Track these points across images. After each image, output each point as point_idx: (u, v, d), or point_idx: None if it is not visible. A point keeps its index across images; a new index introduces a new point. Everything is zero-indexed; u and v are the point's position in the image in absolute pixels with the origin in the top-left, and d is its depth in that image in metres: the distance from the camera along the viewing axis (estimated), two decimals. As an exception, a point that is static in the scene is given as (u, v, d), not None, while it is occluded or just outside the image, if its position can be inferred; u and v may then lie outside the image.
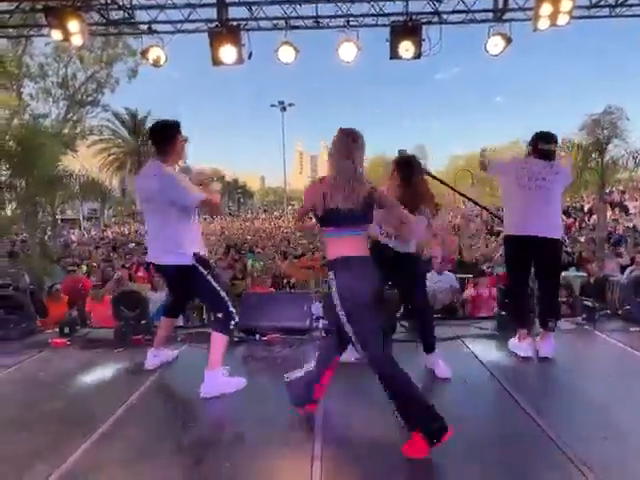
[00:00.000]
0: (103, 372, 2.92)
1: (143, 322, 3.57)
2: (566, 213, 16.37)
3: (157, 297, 4.94)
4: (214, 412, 2.34)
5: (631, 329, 3.44)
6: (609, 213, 14.24)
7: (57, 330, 3.68)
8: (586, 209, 17.54)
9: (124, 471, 1.74)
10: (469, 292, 5.10)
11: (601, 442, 1.91)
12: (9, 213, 11.12)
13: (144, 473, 1.72)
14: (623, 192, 20.20)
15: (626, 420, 2.11)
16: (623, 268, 6.24)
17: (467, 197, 4.68)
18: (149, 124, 30.87)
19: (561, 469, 1.72)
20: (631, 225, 13.66)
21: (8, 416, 2.27)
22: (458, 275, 6.19)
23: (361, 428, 2.09)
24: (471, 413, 2.22)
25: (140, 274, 7.08)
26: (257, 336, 3.37)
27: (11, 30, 5.66)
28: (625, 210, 16.50)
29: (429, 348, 2.69)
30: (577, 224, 14.71)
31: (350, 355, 2.29)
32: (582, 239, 9.01)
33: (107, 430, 2.06)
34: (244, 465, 1.79)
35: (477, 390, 2.50)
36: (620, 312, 3.75)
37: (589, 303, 3.68)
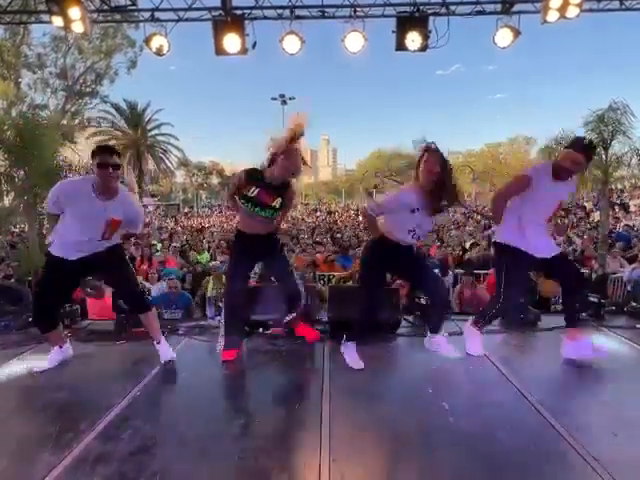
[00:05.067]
0: (105, 364, 2.89)
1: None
2: (566, 210, 16.36)
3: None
4: (219, 404, 2.32)
5: (637, 326, 3.43)
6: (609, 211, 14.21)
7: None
8: (587, 207, 17.54)
9: (130, 463, 1.70)
10: (467, 292, 4.99)
11: (611, 438, 1.89)
12: (7, 204, 11.01)
13: (151, 465, 1.69)
14: (622, 190, 20.23)
15: (636, 416, 2.09)
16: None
17: (477, 212, 4.64)
18: (148, 116, 30.84)
19: (571, 465, 1.70)
20: (631, 224, 13.67)
21: (10, 408, 2.23)
22: (456, 271, 6.19)
23: (368, 419, 2.06)
24: (479, 410, 2.19)
25: (144, 267, 7.02)
26: (261, 329, 3.34)
27: (7, 18, 5.55)
28: (625, 208, 16.52)
29: (437, 329, 2.77)
30: (575, 221, 14.71)
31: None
32: (585, 236, 9.00)
33: (111, 422, 2.03)
34: (251, 457, 1.76)
35: (484, 386, 2.48)
36: (626, 308, 3.73)
37: (595, 299, 3.65)
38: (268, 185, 2.56)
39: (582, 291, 2.82)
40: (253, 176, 2.56)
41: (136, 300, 2.82)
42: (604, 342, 2.84)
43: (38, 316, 2.73)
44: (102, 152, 2.47)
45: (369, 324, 2.77)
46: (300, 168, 2.56)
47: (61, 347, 2.83)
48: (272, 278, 3.00)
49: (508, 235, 2.63)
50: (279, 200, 2.58)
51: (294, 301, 2.92)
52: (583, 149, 2.49)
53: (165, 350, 2.79)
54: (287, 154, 2.47)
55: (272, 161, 2.53)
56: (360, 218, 21.10)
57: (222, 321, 2.93)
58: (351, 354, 2.71)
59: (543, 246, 2.60)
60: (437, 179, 2.41)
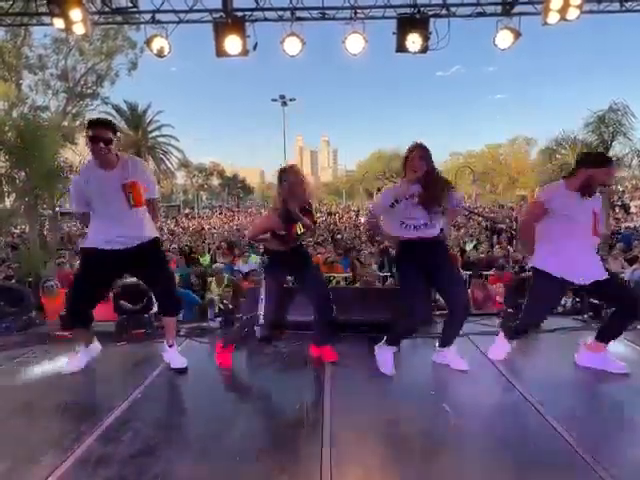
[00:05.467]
0: (106, 366, 2.88)
1: (146, 316, 3.53)
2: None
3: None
4: (220, 405, 2.31)
5: (638, 327, 3.42)
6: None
7: (58, 323, 3.63)
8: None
9: (131, 465, 1.70)
10: (479, 293, 5.03)
11: (613, 439, 1.90)
12: (8, 205, 11.04)
13: (151, 467, 1.69)
14: (623, 191, 20.24)
15: (637, 418, 2.09)
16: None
17: (478, 214, 4.65)
18: (149, 117, 30.89)
19: (573, 467, 1.70)
20: (632, 225, 13.66)
21: (12, 410, 2.23)
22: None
23: (370, 421, 2.06)
24: (482, 412, 2.20)
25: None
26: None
27: (9, 20, 5.57)
28: (626, 209, 16.51)
29: (448, 342, 2.70)
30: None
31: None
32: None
33: (112, 424, 2.03)
34: (252, 459, 1.76)
35: (485, 388, 2.48)
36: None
37: (596, 300, 3.65)
38: (291, 218, 2.59)
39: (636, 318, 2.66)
40: (285, 218, 2.59)
41: (172, 301, 2.76)
42: (621, 357, 2.72)
43: (72, 311, 2.71)
44: (95, 125, 2.42)
45: (409, 328, 2.71)
46: (306, 196, 2.61)
47: (87, 346, 2.78)
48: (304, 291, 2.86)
49: (543, 261, 2.57)
50: (300, 225, 2.61)
51: (326, 314, 2.78)
52: (609, 162, 2.52)
53: (176, 356, 2.74)
54: (293, 186, 2.55)
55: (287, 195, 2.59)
56: (362, 220, 21.15)
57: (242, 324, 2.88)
58: (387, 357, 2.67)
59: (584, 269, 2.49)
60: (425, 173, 2.46)
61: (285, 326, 3.31)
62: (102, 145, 2.37)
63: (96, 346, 2.85)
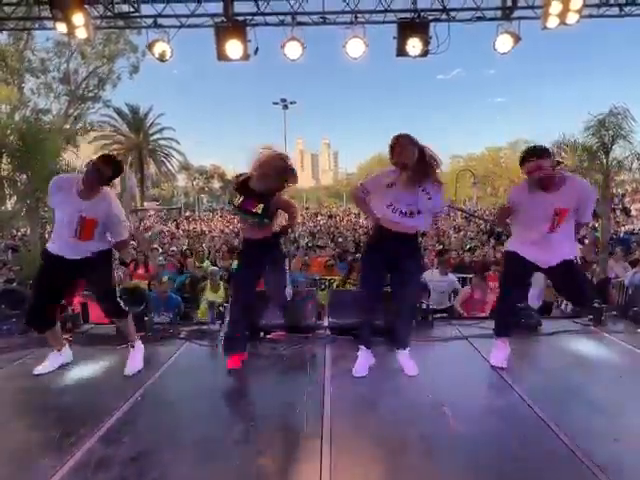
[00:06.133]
0: (106, 368, 2.89)
1: (146, 318, 3.53)
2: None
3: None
4: (220, 408, 2.32)
5: (638, 330, 3.42)
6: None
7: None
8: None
9: (131, 467, 1.71)
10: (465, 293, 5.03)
11: (612, 444, 1.89)
12: (9, 208, 11.06)
13: (151, 469, 1.69)
14: (623, 195, 20.19)
15: (637, 422, 2.09)
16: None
17: (478, 217, 4.64)
18: (150, 120, 30.99)
19: (573, 470, 1.70)
20: (632, 228, 13.65)
21: (12, 412, 2.24)
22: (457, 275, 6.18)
23: (370, 421, 2.07)
24: (480, 414, 2.20)
25: (140, 272, 7.01)
26: (262, 333, 3.34)
27: (12, 24, 5.61)
28: (627, 213, 16.50)
29: (400, 344, 2.74)
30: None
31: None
32: (586, 241, 8.99)
33: (112, 426, 2.04)
34: (252, 460, 1.76)
35: (485, 391, 2.48)
36: (629, 313, 3.71)
37: (596, 304, 3.64)
38: (251, 193, 2.64)
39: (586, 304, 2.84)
40: (240, 186, 2.69)
41: (110, 311, 2.80)
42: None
43: (30, 314, 2.73)
44: (103, 160, 2.56)
45: (367, 326, 2.76)
46: (269, 176, 2.57)
47: (59, 351, 2.82)
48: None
49: (511, 245, 2.80)
50: (261, 206, 2.61)
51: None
52: (537, 154, 2.51)
53: (130, 360, 2.76)
54: (259, 165, 2.58)
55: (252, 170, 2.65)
56: (363, 221, 21.14)
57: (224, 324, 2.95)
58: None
59: (544, 257, 2.61)
60: (415, 159, 2.45)
61: (256, 331, 3.31)
62: (97, 176, 2.48)
63: (68, 353, 2.89)
